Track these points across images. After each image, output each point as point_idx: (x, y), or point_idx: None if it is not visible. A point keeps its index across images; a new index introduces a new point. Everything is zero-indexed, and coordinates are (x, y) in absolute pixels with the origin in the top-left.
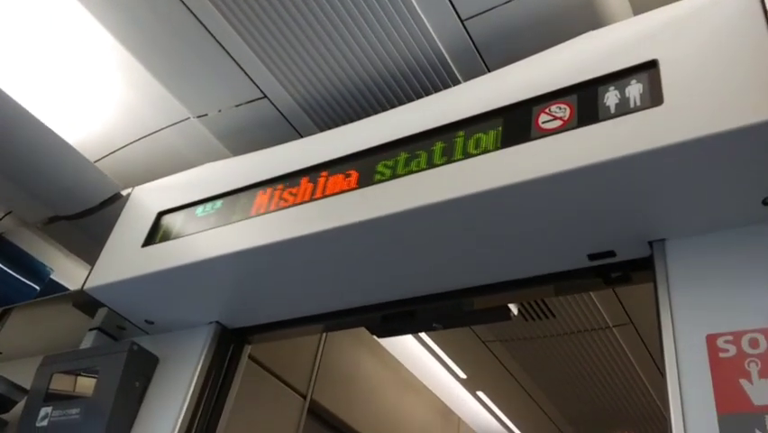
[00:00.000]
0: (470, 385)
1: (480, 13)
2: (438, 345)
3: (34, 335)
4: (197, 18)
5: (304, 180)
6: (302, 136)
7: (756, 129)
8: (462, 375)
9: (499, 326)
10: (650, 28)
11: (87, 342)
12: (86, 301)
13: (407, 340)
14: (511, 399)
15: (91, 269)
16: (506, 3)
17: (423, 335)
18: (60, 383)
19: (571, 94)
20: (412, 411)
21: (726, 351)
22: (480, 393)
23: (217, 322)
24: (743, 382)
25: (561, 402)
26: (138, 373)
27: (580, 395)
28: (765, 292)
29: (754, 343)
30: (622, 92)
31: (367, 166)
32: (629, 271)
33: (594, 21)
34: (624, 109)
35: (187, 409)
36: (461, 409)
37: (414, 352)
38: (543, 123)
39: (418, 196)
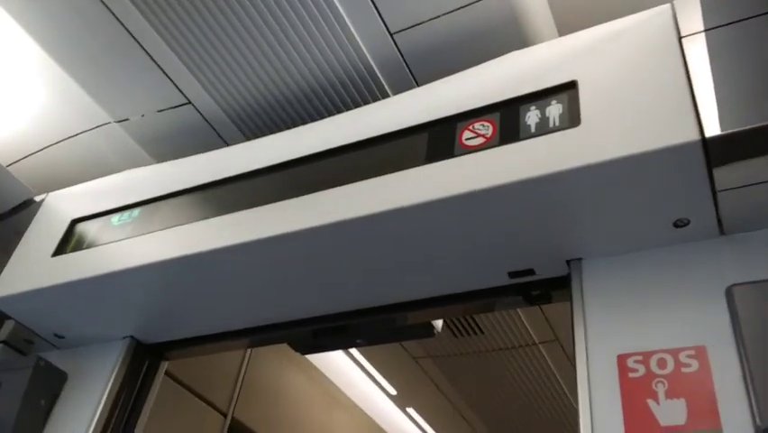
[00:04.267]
0: (401, 401)
1: (409, 28)
2: (368, 361)
3: None
4: (119, 21)
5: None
6: (227, 145)
7: (667, 152)
8: (393, 391)
9: (429, 342)
10: (571, 49)
11: None
12: None
13: (337, 356)
14: (441, 415)
15: None
16: (433, 18)
17: (353, 350)
18: None
19: (494, 112)
20: (341, 429)
21: (636, 371)
22: (409, 409)
23: (132, 337)
24: (650, 402)
25: (489, 418)
26: (44, 391)
27: (508, 411)
28: (674, 312)
29: (661, 363)
30: (542, 112)
31: (292, 177)
32: (549, 290)
33: (519, 39)
34: (543, 129)
35: (95, 428)
36: (390, 426)
37: (343, 368)
38: (466, 139)
39: (344, 208)
